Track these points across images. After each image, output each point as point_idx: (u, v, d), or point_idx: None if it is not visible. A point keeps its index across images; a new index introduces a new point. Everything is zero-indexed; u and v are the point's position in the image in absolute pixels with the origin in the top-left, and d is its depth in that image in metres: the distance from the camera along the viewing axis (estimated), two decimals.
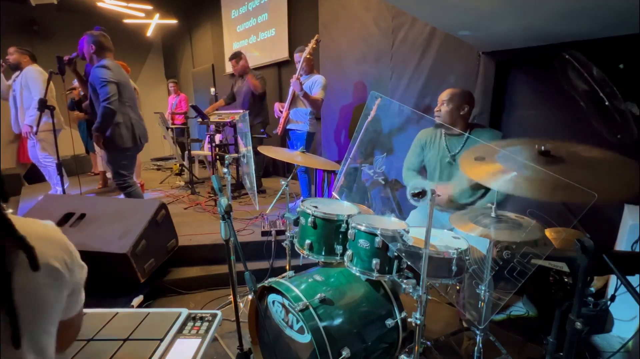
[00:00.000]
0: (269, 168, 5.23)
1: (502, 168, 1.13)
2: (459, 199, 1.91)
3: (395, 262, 1.42)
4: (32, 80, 3.37)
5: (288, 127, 3.26)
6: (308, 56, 2.99)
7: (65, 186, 3.02)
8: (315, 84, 3.16)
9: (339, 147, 3.91)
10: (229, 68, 6.13)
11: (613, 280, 1.81)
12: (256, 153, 3.03)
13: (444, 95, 1.92)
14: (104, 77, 2.52)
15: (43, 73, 3.45)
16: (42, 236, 0.66)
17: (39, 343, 0.64)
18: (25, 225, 0.64)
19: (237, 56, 3.90)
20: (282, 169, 5.15)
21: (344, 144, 3.81)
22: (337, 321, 1.33)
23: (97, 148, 4.38)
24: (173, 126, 5.54)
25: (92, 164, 5.50)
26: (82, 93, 4.27)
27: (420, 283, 1.25)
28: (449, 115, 1.89)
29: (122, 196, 2.86)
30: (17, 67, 3.45)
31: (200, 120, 3.75)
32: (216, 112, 4.04)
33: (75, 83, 4.39)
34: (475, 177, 1.19)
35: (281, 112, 3.28)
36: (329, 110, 3.89)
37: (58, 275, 0.66)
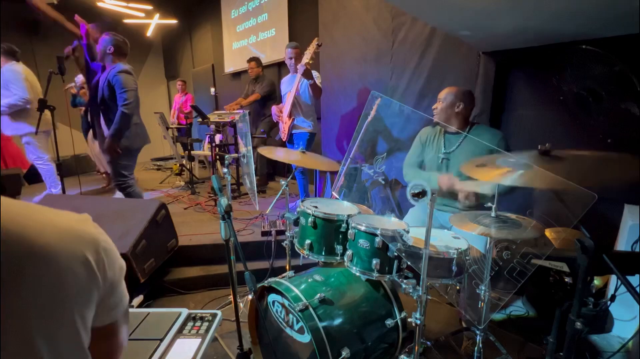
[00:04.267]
0: (269, 168, 5.23)
1: (508, 169, 1.17)
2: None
3: (395, 262, 1.41)
4: (10, 81, 3.23)
5: (293, 132, 3.25)
6: (310, 61, 2.93)
7: (58, 189, 3.00)
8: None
9: (339, 147, 3.91)
10: (228, 68, 6.15)
11: (613, 280, 1.81)
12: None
13: (441, 94, 1.96)
14: (129, 85, 2.56)
15: (24, 71, 3.32)
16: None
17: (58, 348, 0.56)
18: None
19: (255, 60, 4.20)
20: (282, 169, 5.15)
21: (344, 144, 3.80)
22: (337, 321, 1.33)
23: (94, 149, 4.37)
24: (179, 125, 5.56)
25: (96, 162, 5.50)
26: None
27: (420, 283, 1.25)
28: (443, 112, 1.92)
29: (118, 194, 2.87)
30: None
31: (200, 119, 3.76)
32: (216, 112, 4.06)
33: (79, 79, 4.39)
34: (486, 179, 1.24)
35: (279, 116, 3.26)
36: (329, 110, 3.88)
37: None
